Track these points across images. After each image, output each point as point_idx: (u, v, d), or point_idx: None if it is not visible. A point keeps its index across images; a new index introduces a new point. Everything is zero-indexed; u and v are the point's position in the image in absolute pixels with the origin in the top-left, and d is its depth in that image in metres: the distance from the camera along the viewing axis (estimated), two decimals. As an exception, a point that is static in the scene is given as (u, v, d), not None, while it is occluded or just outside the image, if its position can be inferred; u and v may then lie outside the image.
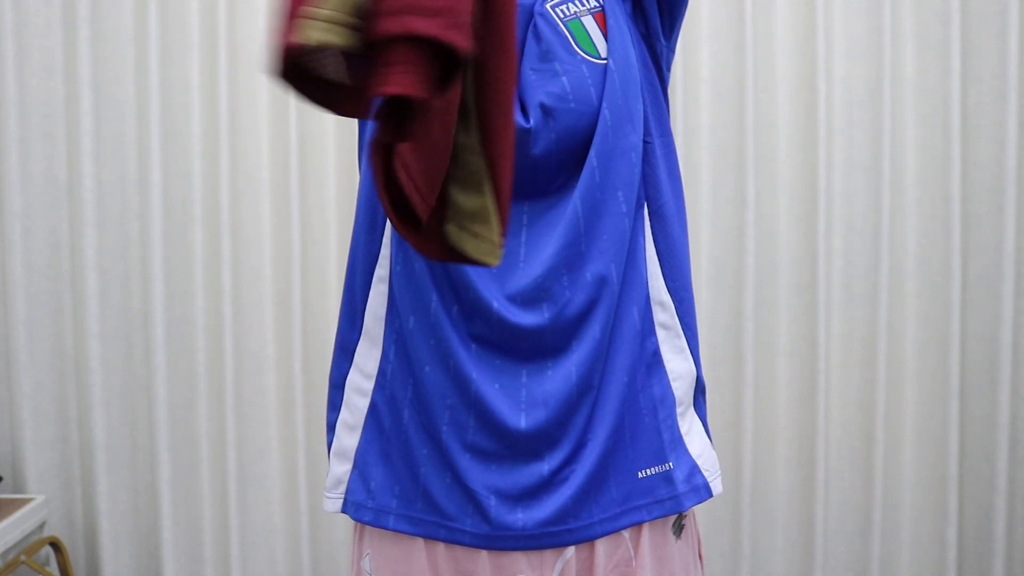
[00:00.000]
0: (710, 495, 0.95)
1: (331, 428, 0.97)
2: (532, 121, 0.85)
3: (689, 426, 0.96)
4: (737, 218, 1.99)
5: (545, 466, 0.88)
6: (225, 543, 1.99)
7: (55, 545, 1.86)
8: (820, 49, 1.94)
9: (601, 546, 0.90)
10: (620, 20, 0.91)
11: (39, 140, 1.92)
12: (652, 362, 0.92)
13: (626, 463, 0.91)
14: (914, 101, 2.00)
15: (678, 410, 0.94)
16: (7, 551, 1.72)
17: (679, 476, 0.93)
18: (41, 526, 1.86)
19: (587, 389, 0.89)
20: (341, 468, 0.94)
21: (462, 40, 0.62)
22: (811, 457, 2.03)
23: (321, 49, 0.62)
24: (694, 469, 0.94)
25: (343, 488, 0.94)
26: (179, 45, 1.91)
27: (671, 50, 0.96)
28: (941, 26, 1.95)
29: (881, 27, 1.95)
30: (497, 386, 0.88)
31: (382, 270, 0.92)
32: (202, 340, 1.95)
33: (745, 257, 1.98)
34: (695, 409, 0.98)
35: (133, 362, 1.98)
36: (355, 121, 0.99)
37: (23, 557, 1.75)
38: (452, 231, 0.71)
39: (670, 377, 0.93)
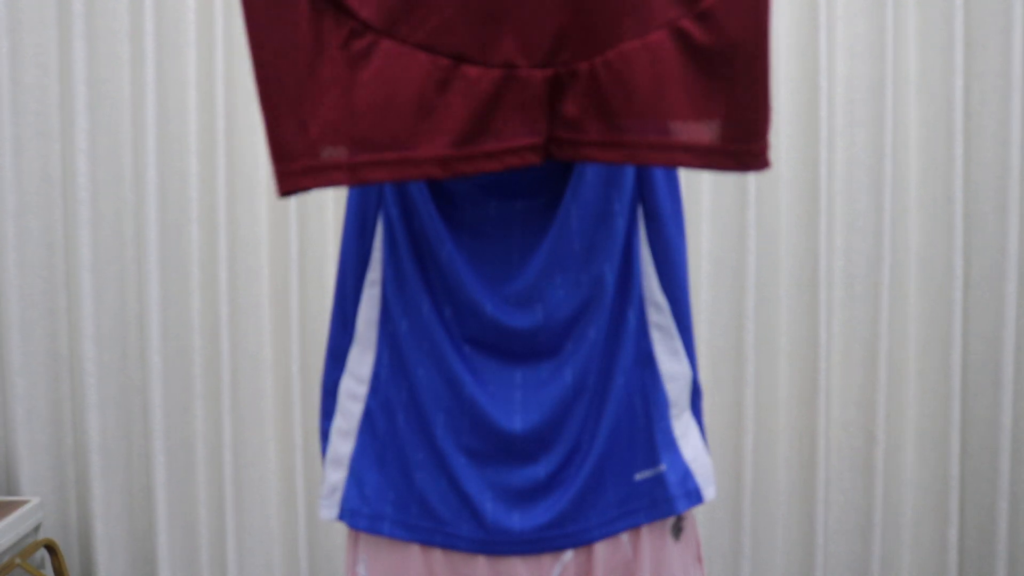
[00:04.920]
0: (701, 501, 0.94)
1: (325, 436, 0.97)
2: None
3: (684, 429, 0.96)
4: (738, 217, 1.98)
5: (541, 469, 0.88)
6: (221, 546, 1.98)
7: (50, 548, 1.85)
8: (822, 47, 1.93)
9: (600, 549, 0.90)
10: None
11: (33, 138, 1.91)
12: (646, 363, 0.92)
13: (622, 466, 0.90)
14: (917, 99, 1.99)
15: (672, 412, 0.94)
16: (2, 554, 1.71)
17: (672, 479, 0.92)
18: (36, 529, 1.85)
19: (582, 391, 0.88)
20: (336, 475, 0.94)
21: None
22: (812, 457, 2.02)
23: None
24: (687, 473, 0.94)
25: (338, 495, 0.93)
26: (175, 42, 1.90)
27: None
28: (944, 23, 1.94)
29: (883, 25, 1.94)
30: (491, 388, 0.88)
31: (374, 274, 0.91)
32: (198, 341, 1.94)
33: (746, 256, 1.97)
34: (692, 412, 0.97)
35: (128, 364, 1.97)
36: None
37: (18, 560, 1.73)
38: None
39: (664, 379, 0.93)
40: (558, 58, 0.68)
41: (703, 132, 0.69)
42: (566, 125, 0.70)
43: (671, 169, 0.93)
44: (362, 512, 0.91)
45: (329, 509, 0.94)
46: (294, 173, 0.69)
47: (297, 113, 0.68)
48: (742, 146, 0.70)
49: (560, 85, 0.69)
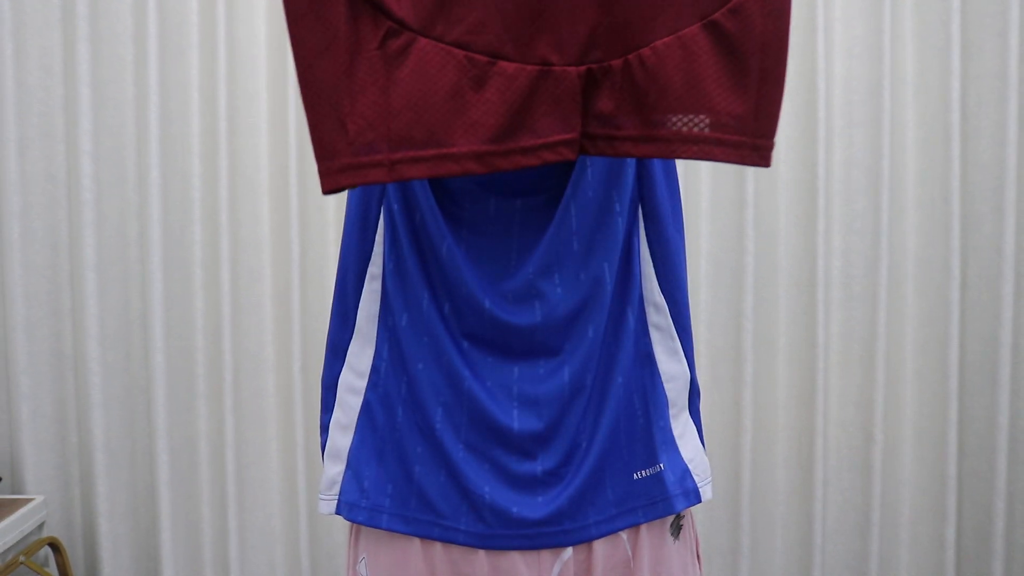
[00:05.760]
0: (699, 501, 0.95)
1: (324, 429, 0.97)
2: None
3: (683, 429, 0.96)
4: (736, 218, 1.99)
5: (538, 466, 0.88)
6: (224, 544, 2.00)
7: (54, 546, 1.86)
8: (820, 48, 1.94)
9: (599, 547, 0.90)
10: None
11: (38, 139, 1.92)
12: (645, 363, 0.92)
13: (621, 464, 0.91)
14: (914, 101, 2.00)
15: (671, 412, 0.94)
16: (6, 551, 1.72)
17: (670, 478, 0.93)
18: (40, 527, 1.86)
19: (580, 389, 0.89)
20: (335, 469, 0.94)
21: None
22: (810, 456, 2.03)
23: None
24: (685, 473, 0.94)
25: (337, 489, 0.94)
26: (178, 45, 1.91)
27: None
28: (941, 25, 1.96)
29: (881, 27, 1.95)
30: (489, 384, 0.88)
31: (375, 268, 0.92)
32: (201, 341, 1.95)
33: (745, 257, 1.98)
34: (690, 412, 0.98)
35: (132, 363, 1.98)
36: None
37: (22, 558, 1.75)
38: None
39: (663, 378, 0.93)
40: (592, 55, 0.69)
41: (733, 126, 0.69)
42: (601, 121, 0.70)
43: (671, 169, 0.94)
44: (360, 505, 0.91)
45: (328, 503, 0.94)
46: (333, 171, 0.70)
47: (336, 112, 0.68)
48: (765, 141, 0.71)
49: (594, 81, 0.69)
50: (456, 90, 0.68)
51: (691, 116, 0.69)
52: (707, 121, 0.69)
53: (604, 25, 0.68)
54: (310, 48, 0.68)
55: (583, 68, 0.69)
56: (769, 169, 2.00)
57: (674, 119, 0.69)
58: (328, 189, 0.71)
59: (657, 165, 0.92)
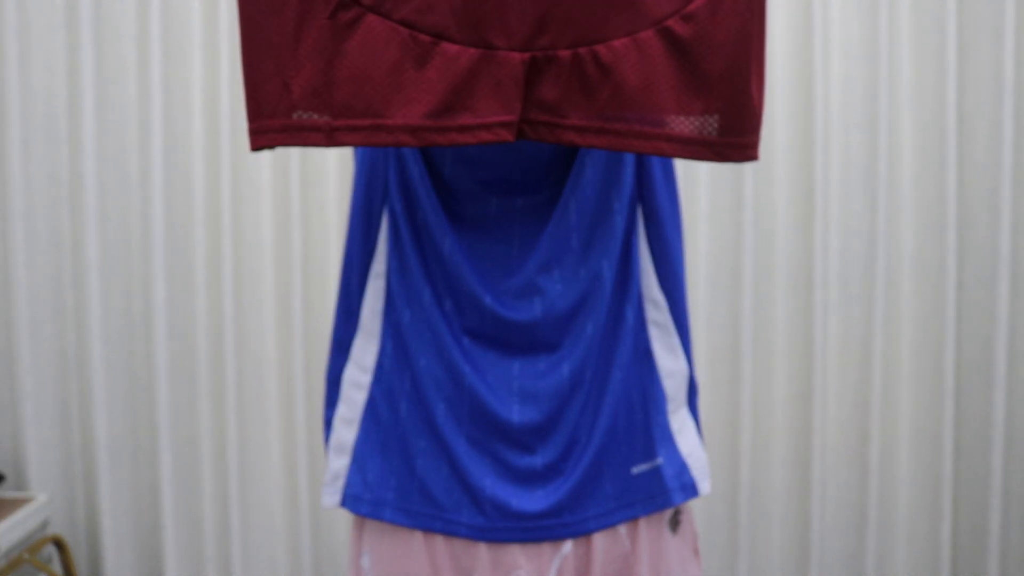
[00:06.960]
0: (696, 495, 0.96)
1: (328, 424, 0.98)
2: None
3: (681, 424, 0.97)
4: (735, 219, 2.00)
5: (538, 459, 0.90)
6: (226, 542, 2.01)
7: (58, 543, 1.87)
8: (817, 51, 1.95)
9: (598, 541, 0.92)
10: None
11: (41, 141, 1.93)
12: (644, 359, 0.94)
13: (619, 459, 0.92)
14: (911, 103, 2.01)
15: (669, 407, 0.96)
16: (10, 549, 1.73)
17: (668, 472, 0.94)
18: (44, 525, 1.87)
19: (579, 384, 0.90)
20: (339, 462, 0.95)
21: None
22: (807, 455, 2.04)
23: None
24: (683, 467, 0.96)
25: (341, 482, 0.95)
26: (181, 47, 1.92)
27: None
28: (938, 28, 1.97)
29: (877, 29, 1.96)
30: (490, 379, 0.90)
31: (379, 266, 0.93)
32: (203, 340, 1.96)
33: (743, 257, 2.00)
34: (688, 408, 1.00)
35: (135, 362, 1.99)
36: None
37: (26, 555, 1.76)
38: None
39: (661, 374, 0.95)
40: (537, 43, 0.70)
41: (687, 125, 0.71)
42: (543, 108, 0.72)
43: (670, 170, 0.96)
44: (364, 498, 0.93)
45: (332, 496, 0.95)
46: (272, 130, 0.72)
47: (281, 73, 0.70)
48: (724, 139, 0.72)
49: (538, 69, 0.71)
50: (398, 67, 0.70)
51: (645, 113, 0.71)
52: (660, 120, 0.71)
53: (553, 15, 0.69)
54: (260, 5, 0.70)
55: (527, 55, 0.70)
56: (767, 171, 2.01)
57: (629, 115, 0.70)
58: (262, 146, 0.72)
59: (656, 166, 0.93)
